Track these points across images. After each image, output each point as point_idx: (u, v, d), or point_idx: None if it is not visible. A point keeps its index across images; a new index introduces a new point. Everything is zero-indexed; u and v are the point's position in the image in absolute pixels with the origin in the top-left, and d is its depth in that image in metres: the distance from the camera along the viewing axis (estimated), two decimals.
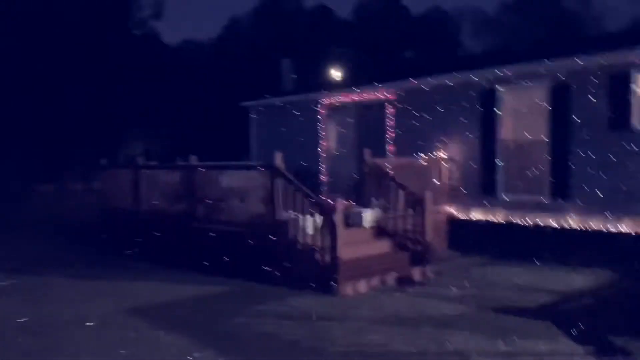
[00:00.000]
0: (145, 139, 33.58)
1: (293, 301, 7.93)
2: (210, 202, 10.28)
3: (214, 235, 10.08)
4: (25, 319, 7.30)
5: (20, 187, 24.90)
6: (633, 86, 9.51)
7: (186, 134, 33.06)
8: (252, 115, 17.60)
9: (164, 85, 33.62)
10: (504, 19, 45.64)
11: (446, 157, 11.96)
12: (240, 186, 9.75)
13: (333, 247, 8.19)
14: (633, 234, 9.48)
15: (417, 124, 12.65)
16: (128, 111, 31.70)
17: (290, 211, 8.93)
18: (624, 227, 9.59)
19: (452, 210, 11.88)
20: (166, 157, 17.98)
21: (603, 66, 9.78)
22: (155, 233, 11.20)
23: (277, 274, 8.86)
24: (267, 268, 8.97)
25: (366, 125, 14.09)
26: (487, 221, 11.31)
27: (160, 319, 7.30)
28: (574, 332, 6.41)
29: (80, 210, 16.04)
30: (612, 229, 9.74)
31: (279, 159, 9.09)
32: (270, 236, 9.03)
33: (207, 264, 9.85)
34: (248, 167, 9.89)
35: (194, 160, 10.94)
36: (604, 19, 41.77)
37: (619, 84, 9.60)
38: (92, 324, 7.12)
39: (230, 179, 9.98)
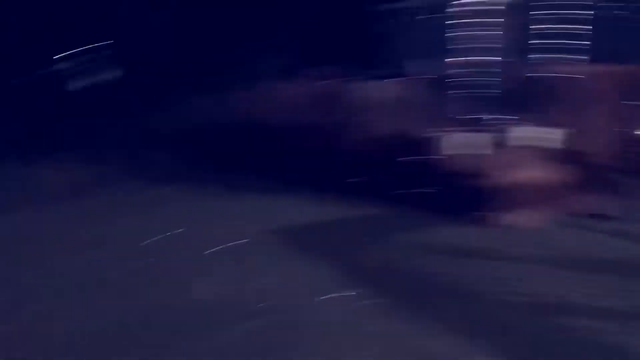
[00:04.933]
0: (280, 49, 31.86)
1: (447, 232, 6.78)
2: (350, 116, 9.04)
3: (356, 152, 8.91)
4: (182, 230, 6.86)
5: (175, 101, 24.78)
6: None
7: (318, 45, 30.95)
8: (388, 20, 15.55)
9: None
10: None
11: None
12: (383, 97, 8.36)
13: (498, 171, 6.71)
14: None
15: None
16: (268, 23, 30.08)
17: (444, 127, 7.46)
18: None
19: None
20: (301, 68, 16.40)
21: None
22: (290, 148, 10.19)
23: (428, 198, 7.58)
24: (416, 191, 7.69)
25: (522, 24, 11.70)
26: None
27: (300, 244, 6.58)
28: None
29: (219, 119, 15.38)
30: None
31: (428, 67, 7.57)
32: (420, 156, 7.67)
33: (349, 183, 8.74)
34: (391, 76, 8.39)
35: (332, 70, 9.66)
36: None
37: None
38: (229, 244, 6.51)
39: (371, 90, 8.64)
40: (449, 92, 8.08)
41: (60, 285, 5.61)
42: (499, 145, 6.91)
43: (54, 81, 18.76)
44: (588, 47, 9.92)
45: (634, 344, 4.27)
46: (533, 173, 7.88)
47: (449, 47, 12.66)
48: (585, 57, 9.91)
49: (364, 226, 7.45)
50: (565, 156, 8.30)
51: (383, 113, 8.37)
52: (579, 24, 10.25)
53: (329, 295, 5.13)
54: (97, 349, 4.43)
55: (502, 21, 12.05)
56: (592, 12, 10.02)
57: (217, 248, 6.52)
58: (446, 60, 8.63)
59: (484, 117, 7.12)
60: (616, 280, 5.22)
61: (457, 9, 12.40)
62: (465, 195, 7.38)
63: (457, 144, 7.38)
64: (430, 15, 13.13)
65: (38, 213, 8.16)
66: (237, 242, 6.65)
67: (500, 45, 12.24)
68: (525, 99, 9.56)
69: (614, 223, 7.25)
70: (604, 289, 5.04)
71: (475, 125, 7.15)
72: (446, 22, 12.89)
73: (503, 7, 12.07)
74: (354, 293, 5.15)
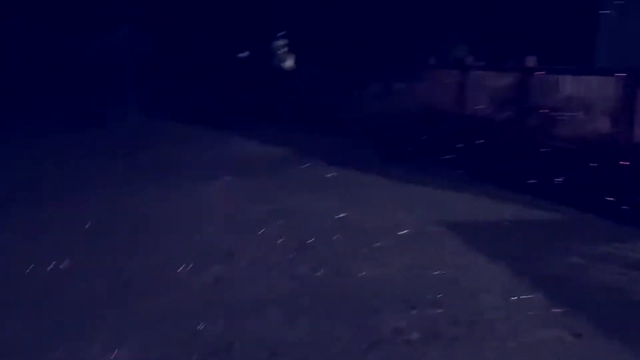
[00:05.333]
0: (470, 38, 31.35)
1: None
2: (544, 112, 8.58)
3: (545, 150, 8.44)
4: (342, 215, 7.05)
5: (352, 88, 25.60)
6: None
7: (515, 34, 29.86)
8: (602, 12, 14.45)
9: None
10: None
11: None
12: (585, 96, 7.88)
13: None
14: None
15: None
16: (455, 10, 29.77)
17: None
18: None
19: None
20: (493, 58, 16.06)
21: None
22: (475, 141, 9.98)
23: (626, 209, 6.97)
24: (612, 200, 7.12)
25: None
26: None
27: (477, 240, 6.38)
28: None
29: (401, 109, 15.78)
30: None
31: None
32: (621, 162, 7.08)
33: (532, 182, 8.33)
34: (601, 73, 7.83)
35: (530, 62, 9.22)
36: None
37: None
38: (404, 232, 6.48)
39: (573, 87, 8.12)
40: None
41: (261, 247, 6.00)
42: None
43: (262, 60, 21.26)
44: None
45: None
46: None
47: None
48: None
49: (552, 230, 7.00)
50: None
51: (590, 111, 7.81)
52: None
53: (501, 297, 4.88)
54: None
55: None
56: None
57: (397, 233, 6.56)
58: None
59: None
60: None
61: None
62: None
63: None
64: None
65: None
66: (412, 230, 6.66)
67: None
68: None
69: None
70: None
71: None
72: None
73: None
74: (528, 297, 4.85)
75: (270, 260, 5.64)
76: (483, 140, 9.87)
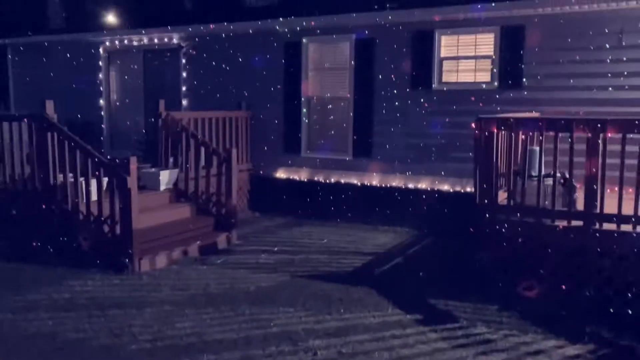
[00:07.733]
0: None
1: (76, 285, 6.49)
2: None
3: None
4: None
5: None
6: (435, 45, 9.51)
7: None
8: (10, 57, 14.60)
9: None
10: None
11: (248, 112, 11.06)
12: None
13: (125, 216, 6.83)
14: (429, 190, 9.67)
15: (214, 76, 11.51)
16: None
17: (69, 174, 7.22)
18: (422, 185, 9.75)
19: (253, 168, 11.12)
20: None
21: (407, 23, 9.64)
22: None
23: (53, 251, 7.18)
24: (38, 244, 7.21)
25: (156, 73, 12.52)
26: (291, 180, 10.79)
27: None
28: (396, 298, 6.17)
29: None
30: (411, 186, 9.83)
31: (50, 108, 7.31)
32: (42, 205, 7.23)
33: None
34: (11, 119, 7.79)
35: None
36: None
37: (422, 42, 9.56)
38: None
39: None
40: (82, 135, 7.87)
41: None
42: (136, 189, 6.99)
43: None
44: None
45: None
46: (163, 215, 8.25)
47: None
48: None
49: None
50: (187, 196, 8.94)
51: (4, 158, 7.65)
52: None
53: None
54: None
55: (139, 67, 12.47)
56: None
57: None
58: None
59: (121, 161, 7.13)
60: (245, 311, 5.79)
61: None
62: (98, 243, 7.24)
63: (91, 190, 7.22)
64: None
65: None
66: None
67: (137, 89, 12.62)
68: (150, 142, 9.97)
69: (227, 256, 8.03)
70: (236, 321, 5.49)
71: (112, 170, 7.07)
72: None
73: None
74: None
75: None
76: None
